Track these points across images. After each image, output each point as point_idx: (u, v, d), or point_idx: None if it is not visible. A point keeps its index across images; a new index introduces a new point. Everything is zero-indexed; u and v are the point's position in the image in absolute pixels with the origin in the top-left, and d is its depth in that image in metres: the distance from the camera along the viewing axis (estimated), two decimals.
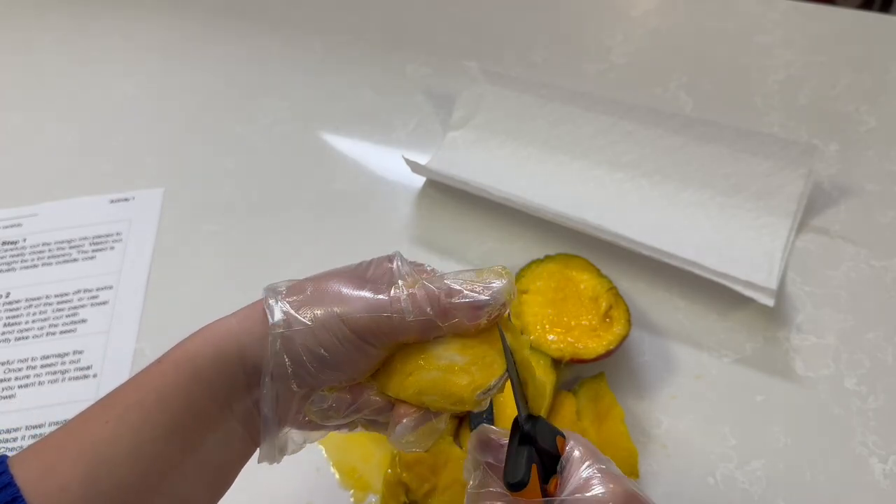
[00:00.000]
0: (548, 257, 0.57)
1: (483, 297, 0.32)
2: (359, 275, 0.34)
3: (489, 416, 0.48)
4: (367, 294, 0.33)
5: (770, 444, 0.49)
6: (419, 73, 0.75)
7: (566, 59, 0.75)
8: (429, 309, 0.32)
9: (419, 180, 0.66)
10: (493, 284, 0.32)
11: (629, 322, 0.52)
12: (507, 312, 0.33)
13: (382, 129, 0.71)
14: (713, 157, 0.61)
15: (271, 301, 0.33)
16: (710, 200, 0.60)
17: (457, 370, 0.32)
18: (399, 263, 0.34)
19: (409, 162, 0.64)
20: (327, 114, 0.73)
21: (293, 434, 0.35)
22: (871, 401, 0.51)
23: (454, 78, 0.71)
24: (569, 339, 0.52)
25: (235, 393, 0.33)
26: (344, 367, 0.33)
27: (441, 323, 0.32)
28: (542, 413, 0.49)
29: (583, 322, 0.53)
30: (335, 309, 0.32)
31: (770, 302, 0.53)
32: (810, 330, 0.55)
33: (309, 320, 0.32)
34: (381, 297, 0.32)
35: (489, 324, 0.33)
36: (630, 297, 0.56)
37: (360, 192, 0.67)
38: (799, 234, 0.60)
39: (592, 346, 0.51)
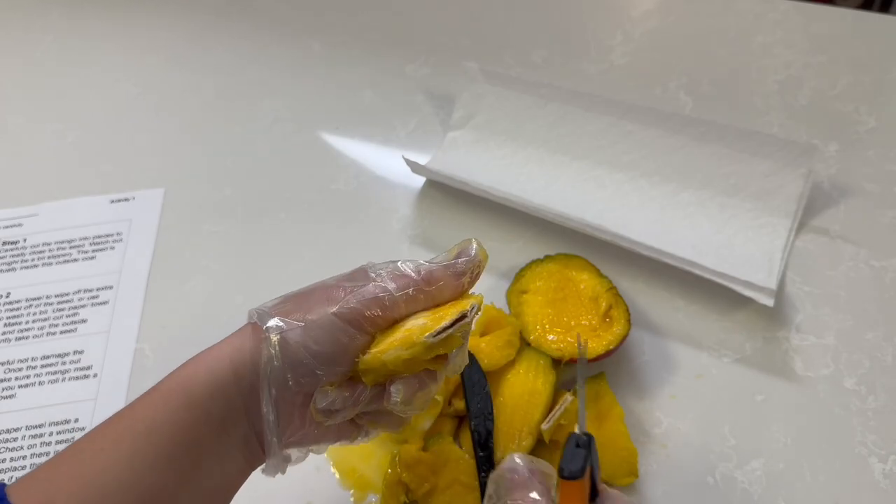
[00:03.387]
0: (548, 257, 0.57)
1: (461, 259, 0.35)
2: (337, 280, 0.36)
3: (489, 412, 0.48)
4: (350, 286, 0.35)
5: (770, 444, 0.50)
6: (419, 73, 0.75)
7: (566, 59, 0.75)
8: (413, 275, 0.34)
9: (419, 180, 0.66)
10: (469, 248, 0.35)
11: (629, 322, 0.52)
12: (481, 270, 0.35)
13: (382, 129, 0.71)
14: (713, 157, 0.61)
15: (263, 315, 0.34)
16: (709, 200, 0.60)
17: (414, 327, 0.33)
18: (375, 268, 0.36)
19: (409, 162, 0.64)
20: (327, 114, 0.73)
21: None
22: (870, 401, 0.51)
23: (454, 78, 0.71)
24: (569, 338, 0.52)
25: (231, 416, 0.33)
26: (338, 358, 0.33)
27: (427, 287, 0.34)
28: (540, 411, 0.49)
29: (583, 322, 0.53)
30: (323, 307, 0.34)
31: (770, 302, 0.53)
32: (810, 330, 0.55)
33: (301, 321, 0.33)
34: (364, 284, 0.34)
35: (471, 282, 0.35)
36: (630, 296, 0.56)
37: (360, 192, 0.67)
38: (799, 234, 0.60)
39: (592, 345, 0.51)
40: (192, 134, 0.73)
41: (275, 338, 0.33)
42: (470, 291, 0.36)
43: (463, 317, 0.33)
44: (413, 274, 0.34)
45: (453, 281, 0.34)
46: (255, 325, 0.35)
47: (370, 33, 0.80)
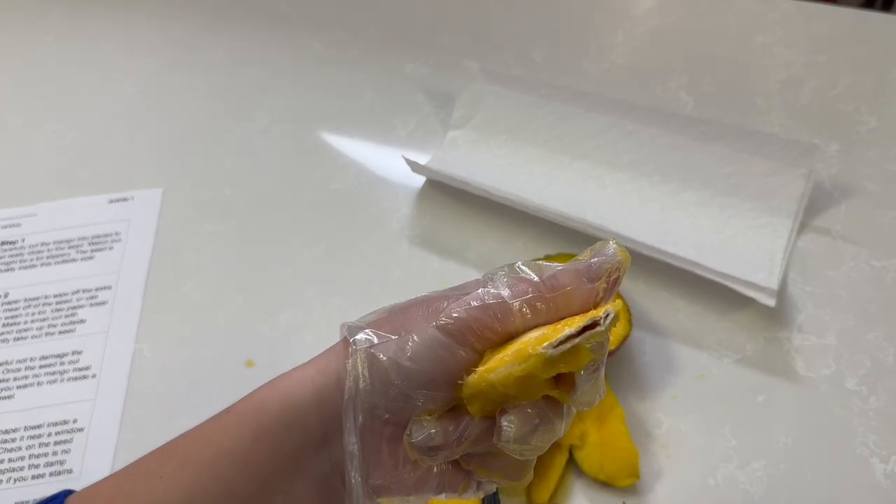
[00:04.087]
0: (548, 257, 0.57)
1: (595, 259, 0.27)
2: (445, 291, 0.30)
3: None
4: (457, 295, 0.28)
5: (771, 445, 0.49)
6: (419, 72, 0.75)
7: (566, 59, 0.75)
8: (533, 278, 0.27)
9: (419, 180, 0.66)
10: (606, 247, 0.28)
11: (630, 322, 0.52)
12: (622, 275, 0.28)
13: (382, 129, 0.71)
14: (714, 156, 0.61)
15: (353, 329, 0.29)
16: (710, 200, 0.60)
17: (529, 340, 0.26)
18: (491, 271, 0.29)
19: (409, 162, 0.64)
20: (327, 114, 0.73)
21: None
22: (872, 401, 0.51)
23: (454, 78, 0.71)
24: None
25: (308, 448, 0.28)
26: (439, 379, 0.27)
27: (550, 293, 0.27)
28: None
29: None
30: (423, 319, 0.28)
31: (771, 302, 0.53)
32: (811, 330, 0.54)
33: (394, 333, 0.28)
34: (472, 292, 0.28)
35: (609, 290, 0.27)
36: (630, 297, 0.56)
37: (360, 192, 0.67)
38: (800, 234, 0.59)
39: None
40: (191, 134, 0.73)
41: (362, 353, 0.28)
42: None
43: (594, 324, 0.26)
44: (533, 277, 0.27)
45: (584, 286, 0.27)
46: (346, 342, 0.29)
47: (370, 33, 0.80)
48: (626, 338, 0.51)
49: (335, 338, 0.57)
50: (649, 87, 0.71)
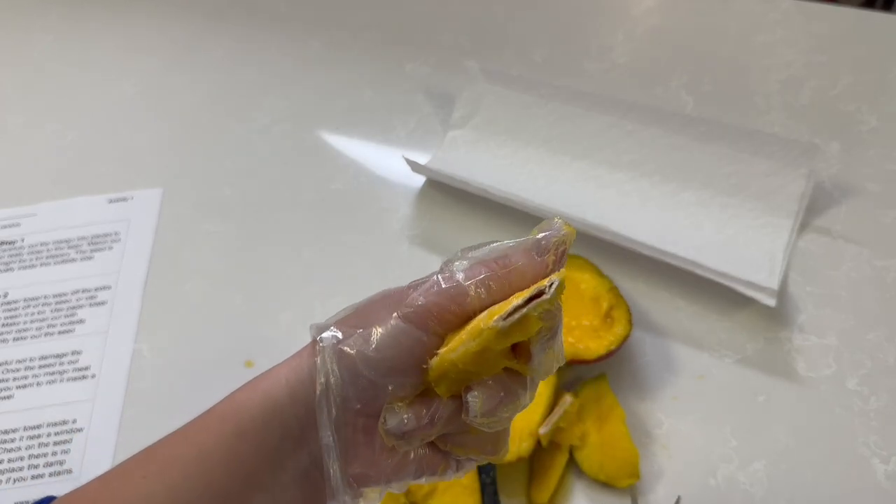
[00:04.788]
0: None
1: (542, 234, 0.29)
2: (404, 286, 0.31)
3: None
4: (415, 285, 0.30)
5: (771, 445, 0.49)
6: (419, 72, 0.75)
7: (566, 59, 0.75)
8: (488, 258, 0.28)
9: (419, 180, 0.66)
10: (552, 222, 0.30)
11: (630, 322, 0.52)
12: (567, 247, 0.30)
13: (382, 128, 0.71)
14: (714, 156, 0.61)
15: (321, 328, 0.30)
16: (711, 200, 0.60)
17: (482, 317, 0.28)
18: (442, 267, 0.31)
19: (409, 162, 0.64)
20: (327, 113, 0.73)
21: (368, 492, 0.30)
22: (872, 401, 0.51)
23: (454, 77, 0.71)
24: (570, 339, 0.51)
25: (286, 445, 0.29)
26: (405, 365, 0.28)
27: (502, 270, 0.28)
28: (540, 413, 0.48)
29: (584, 322, 0.52)
30: (385, 311, 0.29)
31: (771, 302, 0.53)
32: (812, 330, 0.54)
33: (359, 328, 0.29)
34: (428, 277, 0.29)
35: (557, 261, 0.29)
36: (631, 297, 0.56)
37: (360, 192, 0.67)
38: (800, 233, 0.59)
39: (593, 346, 0.51)
40: (190, 134, 0.73)
41: (329, 349, 0.29)
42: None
43: (540, 294, 0.27)
44: (486, 257, 0.29)
45: (534, 261, 0.28)
46: (312, 343, 0.30)
47: (370, 32, 0.80)
48: (626, 338, 0.51)
49: None
50: (649, 87, 0.71)
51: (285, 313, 0.59)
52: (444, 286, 0.28)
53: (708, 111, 0.68)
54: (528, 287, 0.28)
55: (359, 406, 0.28)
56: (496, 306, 0.28)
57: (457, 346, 0.27)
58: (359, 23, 0.80)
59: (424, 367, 0.28)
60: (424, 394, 0.29)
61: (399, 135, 0.70)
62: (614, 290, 0.54)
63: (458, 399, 0.29)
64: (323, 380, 0.28)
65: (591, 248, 0.58)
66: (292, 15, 0.82)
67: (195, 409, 0.56)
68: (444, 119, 0.70)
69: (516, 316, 0.27)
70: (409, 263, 0.61)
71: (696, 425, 0.51)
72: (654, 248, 0.56)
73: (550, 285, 0.27)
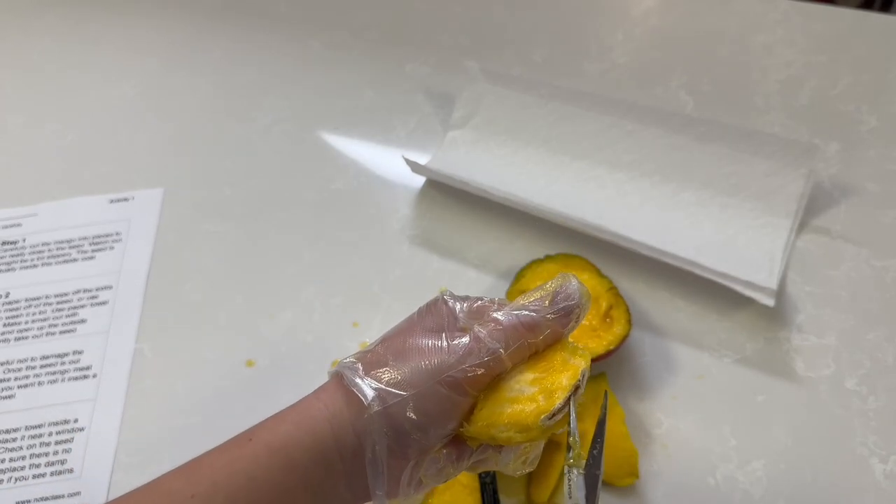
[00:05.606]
0: (548, 257, 0.57)
1: (564, 305, 0.32)
2: (425, 327, 0.33)
3: None
4: (448, 345, 0.32)
5: (771, 445, 0.49)
6: (419, 72, 0.75)
7: (566, 59, 0.75)
8: (517, 325, 0.32)
9: (419, 180, 0.66)
10: (568, 285, 0.33)
11: (629, 322, 0.52)
12: (586, 313, 0.33)
13: (382, 128, 0.71)
14: (714, 156, 0.61)
15: (356, 380, 0.32)
16: (710, 200, 0.60)
17: (524, 399, 0.32)
18: (455, 303, 0.34)
19: (409, 162, 0.64)
20: (327, 113, 0.73)
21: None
22: (871, 401, 0.51)
23: (454, 77, 0.71)
24: (569, 339, 0.51)
25: (330, 483, 0.32)
26: (444, 423, 0.32)
27: (532, 338, 0.32)
28: None
29: (583, 322, 0.53)
30: (421, 370, 0.32)
31: (770, 302, 0.53)
32: (811, 330, 0.54)
33: (403, 391, 0.31)
34: (463, 342, 0.32)
35: (574, 327, 0.33)
36: (630, 297, 0.56)
37: (360, 192, 0.67)
38: (799, 233, 0.59)
39: (593, 346, 0.51)
40: (190, 134, 0.73)
41: (378, 414, 0.31)
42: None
43: (576, 389, 0.32)
44: (516, 323, 0.32)
45: (558, 329, 0.33)
46: (345, 386, 0.32)
47: (370, 32, 0.80)
48: (625, 338, 0.51)
49: (335, 337, 0.57)
50: (649, 87, 0.71)
51: (285, 313, 0.59)
52: (485, 359, 0.31)
53: (708, 111, 0.68)
54: (546, 346, 0.32)
55: (404, 460, 0.32)
56: (525, 371, 0.32)
57: (498, 424, 0.31)
58: (359, 23, 0.81)
59: (461, 430, 0.32)
60: (455, 438, 0.33)
61: (399, 135, 0.71)
62: (614, 289, 0.54)
63: (469, 438, 0.33)
64: (376, 445, 0.31)
65: (591, 247, 0.58)
66: (292, 15, 0.82)
67: (195, 408, 0.56)
68: (444, 119, 0.70)
69: (559, 417, 0.31)
70: (409, 263, 0.61)
71: (696, 425, 0.51)
72: (654, 248, 0.56)
73: (583, 377, 0.32)
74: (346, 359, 0.34)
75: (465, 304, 0.33)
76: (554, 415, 0.31)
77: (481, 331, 0.32)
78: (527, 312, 0.32)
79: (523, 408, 0.31)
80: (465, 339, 0.32)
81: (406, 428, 0.31)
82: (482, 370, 0.31)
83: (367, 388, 0.31)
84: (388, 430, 0.31)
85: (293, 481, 0.31)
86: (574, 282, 0.33)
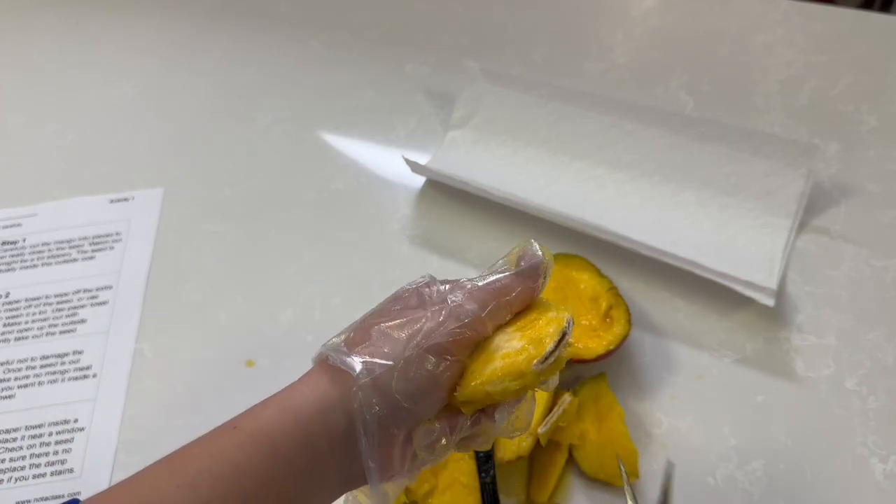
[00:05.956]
0: None
1: (530, 265, 0.34)
2: (407, 305, 0.34)
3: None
4: (429, 314, 0.33)
5: (770, 445, 0.49)
6: (419, 72, 0.75)
7: (566, 59, 0.75)
8: (491, 288, 0.33)
9: (419, 180, 0.66)
10: (530, 249, 0.34)
11: (629, 322, 0.52)
12: (550, 271, 0.35)
13: (382, 128, 0.71)
14: (714, 156, 0.61)
15: (342, 357, 0.32)
16: (710, 200, 0.60)
17: (514, 353, 0.32)
18: (435, 284, 0.35)
19: (409, 162, 0.64)
20: (327, 114, 0.73)
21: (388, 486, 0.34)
22: (871, 401, 0.51)
23: (454, 77, 0.71)
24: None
25: (317, 467, 0.32)
26: (435, 391, 0.32)
27: (505, 298, 0.33)
28: (539, 412, 0.49)
29: (583, 322, 0.53)
30: (404, 340, 0.32)
31: (770, 302, 0.53)
32: (811, 330, 0.54)
33: (390, 360, 0.32)
34: (443, 311, 0.33)
35: (544, 285, 0.34)
36: (630, 297, 0.56)
37: (360, 192, 0.67)
38: (799, 233, 0.59)
39: (593, 346, 0.51)
40: (191, 134, 0.73)
41: (368, 385, 0.31)
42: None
43: (563, 335, 0.32)
44: (488, 287, 0.33)
45: (529, 286, 0.34)
46: (330, 367, 0.33)
47: (370, 32, 0.80)
48: (625, 338, 0.51)
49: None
50: (649, 87, 0.71)
51: (285, 313, 0.59)
52: (464, 319, 0.32)
53: (707, 111, 0.68)
54: (519, 308, 0.34)
55: (396, 431, 0.32)
56: (508, 331, 0.33)
57: (491, 378, 0.32)
58: (359, 23, 0.81)
59: (455, 394, 0.33)
60: (446, 408, 0.33)
61: (399, 135, 0.71)
62: (613, 289, 0.54)
63: (477, 412, 0.33)
64: (367, 416, 0.31)
65: (591, 247, 0.58)
66: (292, 15, 0.82)
67: (196, 408, 0.56)
68: (444, 119, 0.70)
69: (552, 359, 0.32)
70: (409, 263, 0.61)
71: (695, 425, 0.51)
72: (654, 248, 0.56)
73: (569, 325, 0.32)
74: (328, 341, 0.34)
75: (445, 286, 0.34)
76: (546, 358, 0.31)
77: (456, 298, 0.33)
78: (496, 276, 0.34)
79: (514, 358, 0.32)
80: (444, 309, 0.33)
81: (396, 398, 0.31)
82: (466, 331, 0.32)
83: (355, 361, 0.32)
84: (377, 401, 0.31)
85: (279, 468, 0.31)
86: (535, 244, 0.35)
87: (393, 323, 0.33)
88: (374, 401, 0.31)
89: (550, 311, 0.34)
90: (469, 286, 0.34)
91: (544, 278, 0.34)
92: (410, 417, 0.32)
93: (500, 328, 0.34)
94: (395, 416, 0.32)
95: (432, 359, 0.32)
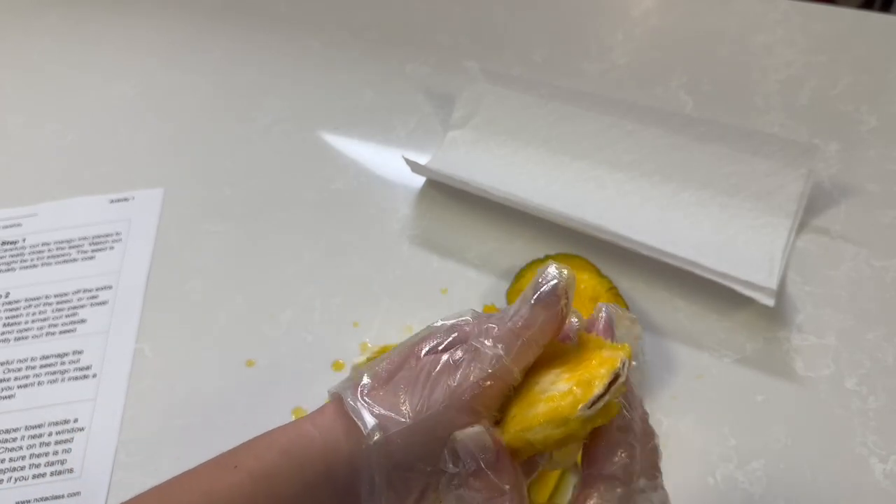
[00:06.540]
0: (548, 257, 0.57)
1: (544, 288, 0.31)
2: (436, 347, 0.31)
3: None
4: (453, 361, 0.30)
5: (770, 445, 0.49)
6: (419, 72, 0.75)
7: (566, 59, 0.75)
8: (506, 325, 0.30)
9: (419, 180, 0.66)
10: (545, 270, 0.32)
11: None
12: (572, 288, 0.32)
13: (382, 129, 0.71)
14: (713, 156, 0.61)
15: (358, 408, 0.30)
16: (710, 200, 0.60)
17: (558, 396, 0.29)
18: (473, 322, 0.32)
19: (409, 162, 0.64)
20: (327, 114, 0.73)
21: None
22: (871, 401, 0.51)
23: (454, 78, 0.71)
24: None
25: None
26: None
27: (528, 332, 0.30)
28: None
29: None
30: (429, 393, 0.29)
31: (770, 302, 0.53)
32: (811, 330, 0.54)
33: (407, 417, 0.29)
34: (464, 357, 0.30)
35: (568, 306, 0.31)
36: (630, 297, 0.56)
37: (360, 192, 0.67)
38: (799, 233, 0.59)
39: None
40: (191, 134, 0.73)
41: (377, 437, 0.29)
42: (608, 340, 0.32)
43: (615, 377, 0.28)
44: (510, 325, 0.30)
45: (551, 313, 0.31)
46: (344, 412, 0.30)
47: (370, 32, 0.80)
48: None
49: (335, 338, 0.57)
50: (649, 87, 0.71)
51: (285, 313, 0.59)
52: (488, 369, 0.29)
53: (707, 111, 0.68)
54: (551, 338, 0.30)
55: (406, 493, 0.29)
56: (552, 373, 0.30)
57: (533, 426, 0.28)
58: (359, 23, 0.81)
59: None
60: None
61: (399, 135, 0.71)
62: (613, 289, 0.54)
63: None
64: (376, 480, 0.29)
65: (591, 247, 0.58)
66: (292, 15, 0.82)
67: (196, 408, 0.56)
68: (444, 119, 0.70)
69: (600, 404, 0.28)
70: (409, 263, 0.61)
71: (695, 425, 0.51)
72: (654, 247, 0.56)
73: (623, 365, 0.29)
74: (351, 374, 0.32)
75: (476, 323, 0.31)
76: (594, 403, 0.28)
77: (482, 342, 0.30)
78: (515, 311, 0.31)
79: (559, 402, 0.28)
80: (469, 357, 0.30)
81: (409, 459, 0.29)
82: (489, 382, 0.29)
83: (368, 414, 0.29)
84: (388, 462, 0.29)
85: None
86: (551, 267, 0.32)
87: (415, 372, 0.30)
88: (384, 461, 0.29)
89: (605, 350, 0.30)
90: (489, 326, 0.31)
91: (567, 300, 0.31)
92: (426, 478, 0.29)
93: (548, 367, 0.30)
94: (407, 479, 0.29)
95: (454, 417, 0.29)
